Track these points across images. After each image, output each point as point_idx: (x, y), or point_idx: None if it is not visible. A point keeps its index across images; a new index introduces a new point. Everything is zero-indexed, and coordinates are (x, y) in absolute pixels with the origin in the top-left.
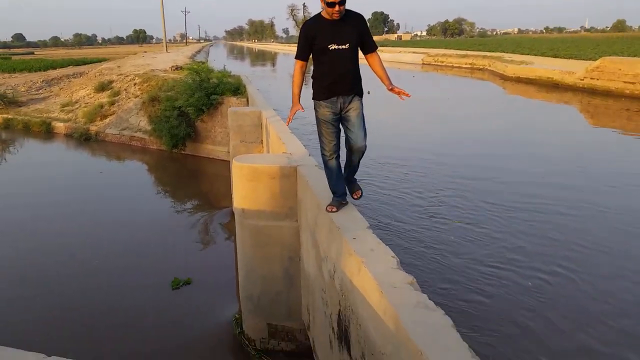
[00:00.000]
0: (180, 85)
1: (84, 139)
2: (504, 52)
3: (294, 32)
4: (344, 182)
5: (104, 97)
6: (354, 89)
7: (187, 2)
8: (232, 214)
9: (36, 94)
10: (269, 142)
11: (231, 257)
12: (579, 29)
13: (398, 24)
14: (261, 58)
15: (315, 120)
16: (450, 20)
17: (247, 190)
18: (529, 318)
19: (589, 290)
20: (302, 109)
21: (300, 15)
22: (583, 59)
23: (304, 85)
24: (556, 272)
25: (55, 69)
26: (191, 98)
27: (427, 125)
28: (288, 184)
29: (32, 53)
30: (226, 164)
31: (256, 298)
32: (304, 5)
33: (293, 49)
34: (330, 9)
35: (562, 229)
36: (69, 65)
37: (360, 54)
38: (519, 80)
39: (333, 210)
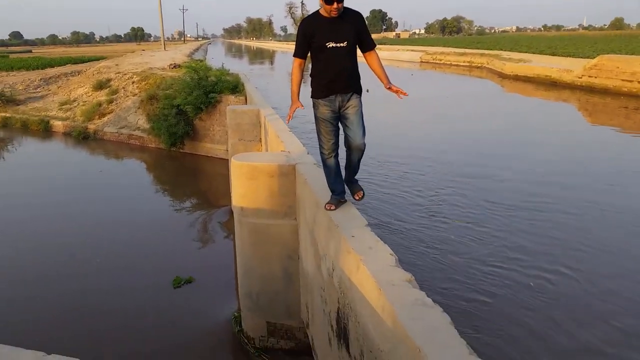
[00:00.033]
0: (178, 83)
1: (82, 137)
2: (502, 50)
3: (292, 30)
4: (342, 181)
5: (102, 96)
6: (353, 87)
7: (185, 0)
8: (231, 212)
9: (34, 93)
10: (268, 141)
11: (230, 255)
12: (577, 27)
13: (396, 22)
14: (259, 56)
15: (314, 119)
16: (449, 18)
17: (245, 188)
18: (531, 317)
19: (591, 290)
20: (302, 106)
21: (298, 13)
22: (581, 57)
23: (302, 84)
24: (558, 271)
25: (53, 67)
26: (189, 96)
27: (426, 124)
28: (287, 182)
29: (30, 51)
30: (225, 162)
31: (255, 296)
32: (302, 3)
33: (291, 47)
34: (328, 7)
35: (563, 227)
36: (67, 64)
37: (359, 52)
38: (517, 78)
39: (332, 208)
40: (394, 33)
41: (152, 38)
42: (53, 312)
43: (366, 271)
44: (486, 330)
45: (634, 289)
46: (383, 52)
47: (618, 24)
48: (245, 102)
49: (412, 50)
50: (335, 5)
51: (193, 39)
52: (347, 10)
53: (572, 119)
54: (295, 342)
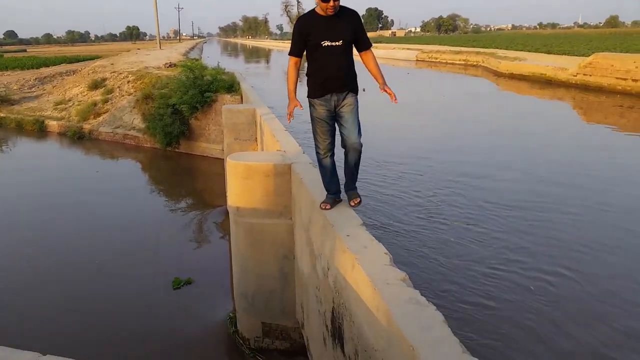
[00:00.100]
0: (174, 82)
1: (78, 137)
2: (497, 48)
3: (288, 28)
4: (338, 180)
5: (97, 95)
6: (348, 85)
7: None
8: (227, 212)
9: (29, 92)
10: (264, 140)
11: (225, 256)
12: (573, 24)
13: (392, 20)
14: (255, 55)
15: (310, 118)
16: (445, 16)
17: (241, 188)
18: (531, 319)
19: (591, 291)
20: (300, 105)
21: (294, 11)
22: (576, 55)
23: (299, 83)
24: (558, 272)
25: (48, 66)
26: (185, 95)
27: (424, 124)
28: (282, 181)
29: (25, 50)
30: (220, 162)
31: (250, 297)
32: (298, 2)
33: (287, 45)
34: (324, 4)
35: (563, 228)
36: (61, 63)
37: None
38: (512, 76)
39: (327, 207)
40: (390, 31)
41: (147, 37)
42: (51, 314)
43: (361, 270)
44: (487, 332)
45: (634, 290)
46: (379, 50)
47: (613, 21)
48: (241, 101)
49: (408, 49)
50: (331, 3)
51: (189, 37)
52: (344, 9)
53: (568, 118)
54: (291, 342)
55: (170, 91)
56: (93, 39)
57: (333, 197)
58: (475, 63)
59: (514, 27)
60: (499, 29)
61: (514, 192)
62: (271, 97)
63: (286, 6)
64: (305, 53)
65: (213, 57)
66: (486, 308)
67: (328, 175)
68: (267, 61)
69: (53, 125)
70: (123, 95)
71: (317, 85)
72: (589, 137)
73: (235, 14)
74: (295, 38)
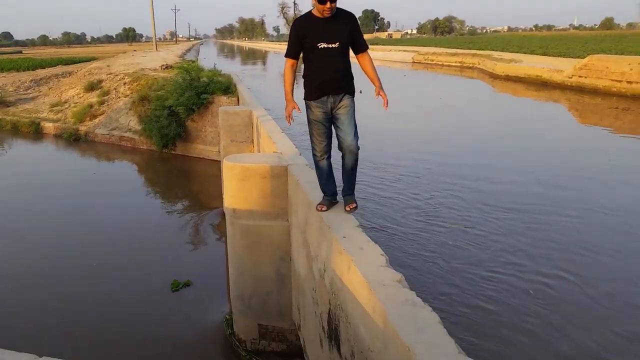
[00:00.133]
0: (170, 84)
1: (74, 139)
2: (493, 50)
3: (285, 30)
4: (334, 182)
5: (93, 97)
6: (345, 87)
7: (177, 0)
8: (223, 214)
9: (25, 94)
10: (260, 142)
11: (222, 258)
12: (568, 26)
13: (389, 22)
14: (252, 57)
15: (307, 121)
16: (441, 18)
17: (237, 190)
18: (530, 322)
19: (590, 293)
20: (298, 108)
21: (290, 13)
22: (572, 57)
23: (295, 85)
24: (556, 275)
25: (44, 68)
26: (181, 97)
27: (421, 126)
28: (279, 183)
29: (20, 52)
30: (217, 163)
31: (247, 298)
32: (295, 3)
33: (284, 47)
34: (321, 6)
35: (561, 230)
36: (57, 65)
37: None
38: (508, 78)
39: (323, 209)
40: (386, 33)
41: (143, 38)
42: (48, 316)
43: (357, 272)
44: (485, 335)
45: (634, 293)
46: (375, 52)
47: (608, 23)
48: (238, 103)
49: (404, 51)
50: (328, 5)
51: (185, 39)
52: (340, 11)
53: (564, 120)
54: (287, 344)
55: (167, 93)
56: (89, 40)
57: (330, 199)
58: (471, 65)
59: (510, 29)
60: (495, 31)
61: (511, 194)
62: (268, 99)
63: (283, 8)
64: (301, 55)
65: (209, 58)
66: (485, 311)
67: (324, 177)
68: (264, 63)
69: (49, 127)
70: (119, 97)
71: (314, 87)
72: (586, 139)
73: (232, 16)
74: (291, 40)
